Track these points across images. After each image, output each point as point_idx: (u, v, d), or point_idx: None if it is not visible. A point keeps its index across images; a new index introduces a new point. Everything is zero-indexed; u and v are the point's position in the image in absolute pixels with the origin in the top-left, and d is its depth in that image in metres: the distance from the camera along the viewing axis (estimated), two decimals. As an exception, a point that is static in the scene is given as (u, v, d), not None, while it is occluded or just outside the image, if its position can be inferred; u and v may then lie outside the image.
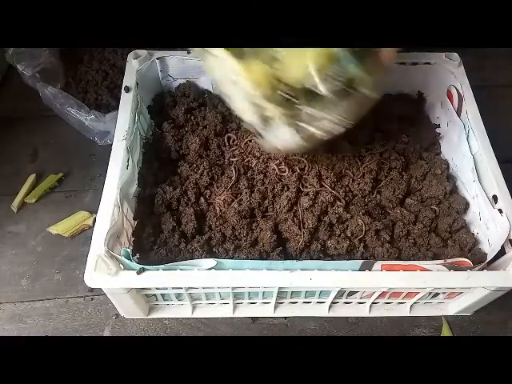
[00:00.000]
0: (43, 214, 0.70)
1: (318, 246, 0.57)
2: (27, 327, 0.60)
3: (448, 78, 0.69)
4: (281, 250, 0.56)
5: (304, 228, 0.57)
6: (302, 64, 0.44)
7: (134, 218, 0.58)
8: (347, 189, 0.62)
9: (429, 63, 0.70)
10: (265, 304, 0.60)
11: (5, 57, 0.76)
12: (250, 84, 0.43)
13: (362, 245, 0.59)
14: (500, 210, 0.56)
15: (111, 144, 0.57)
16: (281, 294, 0.56)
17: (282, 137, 0.48)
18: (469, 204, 0.63)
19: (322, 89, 0.42)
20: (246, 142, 0.66)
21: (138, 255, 0.55)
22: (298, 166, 0.63)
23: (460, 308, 0.60)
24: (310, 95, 0.44)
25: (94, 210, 0.68)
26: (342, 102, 0.46)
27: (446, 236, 0.61)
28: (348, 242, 0.58)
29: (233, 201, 0.60)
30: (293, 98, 0.44)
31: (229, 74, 0.44)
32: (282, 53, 0.42)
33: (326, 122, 0.47)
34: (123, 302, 0.54)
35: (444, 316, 0.62)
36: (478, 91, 0.66)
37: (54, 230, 0.67)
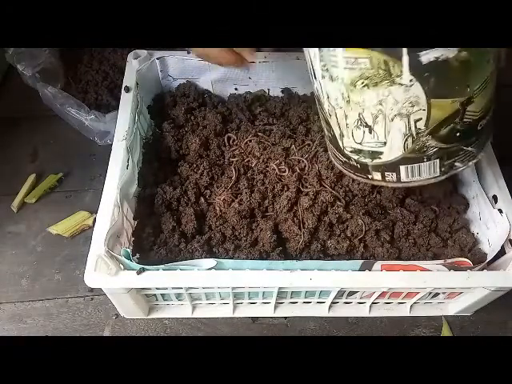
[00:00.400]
0: (43, 214, 0.70)
1: (318, 246, 0.57)
2: (27, 327, 0.60)
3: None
4: (281, 249, 0.56)
5: (304, 228, 0.57)
6: (488, 101, 0.44)
7: (134, 218, 0.58)
8: (347, 189, 0.62)
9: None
10: (265, 304, 0.60)
11: (5, 57, 0.76)
12: (430, 120, 0.41)
13: (361, 245, 0.59)
14: (500, 210, 0.56)
15: (111, 144, 0.57)
16: (281, 293, 0.56)
17: (424, 174, 0.47)
18: (469, 204, 0.63)
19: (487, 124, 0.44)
20: (246, 142, 0.66)
21: (138, 255, 0.55)
22: (298, 166, 0.63)
23: (460, 308, 0.60)
24: (472, 132, 0.45)
25: (94, 210, 0.68)
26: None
27: (446, 236, 0.61)
28: (348, 242, 0.58)
29: (233, 201, 0.60)
30: (465, 135, 0.44)
31: (401, 109, 0.41)
32: (476, 90, 0.41)
33: (472, 159, 0.47)
34: (123, 301, 0.54)
35: (444, 316, 0.62)
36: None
37: (53, 230, 0.67)
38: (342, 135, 0.48)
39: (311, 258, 0.57)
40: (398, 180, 0.48)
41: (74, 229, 0.67)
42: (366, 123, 0.44)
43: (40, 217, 0.69)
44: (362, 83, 0.41)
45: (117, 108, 0.62)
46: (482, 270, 0.51)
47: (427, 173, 0.46)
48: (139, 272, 0.47)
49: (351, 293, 0.56)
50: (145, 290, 0.53)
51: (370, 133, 0.44)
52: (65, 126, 0.77)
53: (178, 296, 0.56)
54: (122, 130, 0.58)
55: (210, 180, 0.62)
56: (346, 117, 0.45)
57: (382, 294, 0.56)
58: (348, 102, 0.43)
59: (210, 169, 0.63)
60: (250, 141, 0.66)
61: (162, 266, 0.48)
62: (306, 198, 0.59)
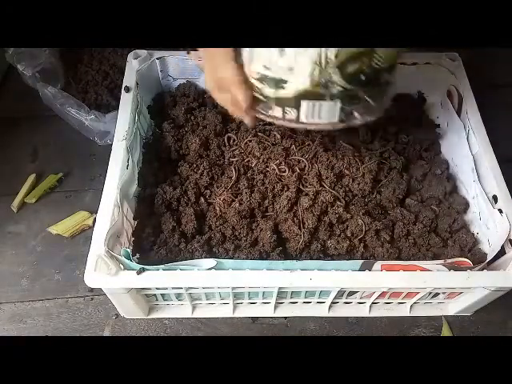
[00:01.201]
0: (43, 214, 0.70)
1: (318, 246, 0.57)
2: (27, 327, 0.60)
3: (448, 77, 0.69)
4: (281, 249, 0.56)
5: (304, 228, 0.57)
6: (394, 56, 0.45)
7: (134, 218, 0.58)
8: (347, 189, 0.62)
9: (429, 63, 0.70)
10: (265, 304, 0.60)
11: (5, 57, 0.76)
12: (341, 51, 0.42)
13: (362, 245, 0.59)
14: (500, 210, 0.56)
15: (111, 144, 0.57)
16: (281, 293, 0.56)
17: (323, 115, 0.47)
18: (469, 204, 0.63)
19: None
20: (246, 142, 0.66)
21: (137, 255, 0.55)
22: (298, 166, 0.63)
23: (460, 308, 0.60)
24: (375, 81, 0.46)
25: (94, 210, 0.68)
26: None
27: (446, 236, 0.61)
28: (348, 242, 0.58)
29: (233, 201, 0.60)
30: (368, 81, 0.45)
31: None
32: None
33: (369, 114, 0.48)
34: (123, 301, 0.54)
35: (444, 316, 0.62)
36: (478, 91, 0.66)
37: (54, 229, 0.67)
38: (251, 59, 0.47)
39: (311, 258, 0.57)
40: (297, 119, 0.48)
41: (74, 229, 0.67)
42: None
43: (40, 217, 0.69)
44: None
45: (117, 108, 0.62)
46: (482, 270, 0.51)
47: (327, 115, 0.47)
48: (139, 272, 0.47)
49: (351, 293, 0.56)
50: (145, 290, 0.53)
51: (281, 55, 0.44)
52: (65, 125, 0.77)
53: (178, 296, 0.56)
54: (122, 129, 0.58)
55: (210, 180, 0.62)
56: None
57: (382, 294, 0.56)
58: None
59: (210, 169, 0.63)
60: (250, 141, 0.66)
61: (162, 266, 0.48)
62: (306, 198, 0.59)
